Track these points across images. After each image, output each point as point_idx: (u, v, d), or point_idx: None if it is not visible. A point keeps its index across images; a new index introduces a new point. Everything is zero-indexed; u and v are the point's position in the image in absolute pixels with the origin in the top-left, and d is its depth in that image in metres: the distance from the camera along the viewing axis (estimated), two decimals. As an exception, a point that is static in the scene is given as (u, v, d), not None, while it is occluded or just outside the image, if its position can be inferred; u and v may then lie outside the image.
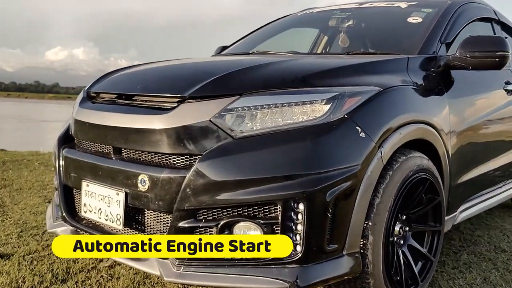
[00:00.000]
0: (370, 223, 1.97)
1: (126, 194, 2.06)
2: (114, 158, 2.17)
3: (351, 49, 3.26)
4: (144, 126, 2.02)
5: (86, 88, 2.56)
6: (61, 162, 2.47)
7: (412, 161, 2.19)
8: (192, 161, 1.94)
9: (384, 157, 2.00)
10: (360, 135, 1.93)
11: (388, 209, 2.03)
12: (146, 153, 2.07)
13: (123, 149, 2.17)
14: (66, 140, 2.56)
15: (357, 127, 1.93)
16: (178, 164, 1.97)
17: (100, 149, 2.30)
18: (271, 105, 1.92)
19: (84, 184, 2.26)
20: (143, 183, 1.98)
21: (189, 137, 1.93)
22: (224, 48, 3.94)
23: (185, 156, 1.96)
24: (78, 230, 2.36)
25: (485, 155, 3.18)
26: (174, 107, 2.00)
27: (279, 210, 1.82)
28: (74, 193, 2.47)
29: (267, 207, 1.84)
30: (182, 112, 1.97)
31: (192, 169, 1.87)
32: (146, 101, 2.15)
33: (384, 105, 2.10)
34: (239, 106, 1.93)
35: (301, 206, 1.79)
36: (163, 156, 2.01)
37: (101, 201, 2.17)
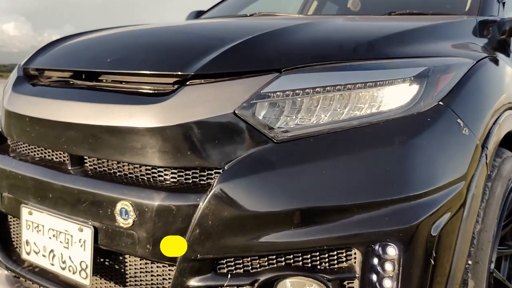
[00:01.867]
0: (470, 262, 1.32)
1: (96, 230, 1.30)
2: (72, 172, 1.39)
3: (366, 12, 2.58)
4: (123, 123, 1.26)
5: (23, 63, 1.71)
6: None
7: (509, 165, 1.54)
8: (207, 180, 1.21)
9: (489, 162, 1.35)
10: (463, 131, 1.26)
11: (491, 238, 1.38)
12: (128, 166, 1.31)
13: (87, 158, 1.40)
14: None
15: (458, 120, 1.25)
16: (184, 184, 1.23)
17: (50, 157, 1.50)
18: (329, 88, 1.21)
19: (24, 211, 1.46)
20: (125, 214, 1.23)
21: (201, 141, 1.20)
22: (200, 13, 3.14)
23: (195, 172, 1.22)
24: (18, 277, 1.57)
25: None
26: (172, 93, 1.25)
27: (355, 259, 1.13)
28: (10, 222, 1.66)
29: (334, 254, 1.15)
30: (186, 99, 1.22)
31: (209, 193, 1.14)
32: (122, 82, 1.37)
33: (482, 84, 1.43)
34: (278, 89, 1.21)
35: (393, 251, 1.11)
36: (157, 172, 1.26)
37: (54, 239, 1.39)
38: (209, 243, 1.15)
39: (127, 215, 1.23)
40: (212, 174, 1.20)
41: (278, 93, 1.20)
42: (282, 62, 1.24)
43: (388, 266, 1.11)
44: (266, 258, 1.16)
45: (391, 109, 1.20)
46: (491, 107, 1.42)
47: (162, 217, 1.18)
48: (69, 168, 1.41)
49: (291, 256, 1.15)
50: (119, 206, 1.23)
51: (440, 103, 1.24)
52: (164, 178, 1.24)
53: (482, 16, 1.98)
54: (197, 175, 1.22)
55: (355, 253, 1.13)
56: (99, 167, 1.36)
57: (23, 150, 1.58)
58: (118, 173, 1.32)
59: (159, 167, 1.24)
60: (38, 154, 1.53)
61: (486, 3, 2.08)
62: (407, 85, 1.23)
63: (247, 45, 1.31)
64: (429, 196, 1.13)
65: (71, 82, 1.50)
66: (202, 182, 1.21)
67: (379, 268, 1.12)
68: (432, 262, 1.14)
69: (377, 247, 1.11)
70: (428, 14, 2.01)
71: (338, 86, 1.21)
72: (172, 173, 1.24)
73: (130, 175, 1.29)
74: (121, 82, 1.39)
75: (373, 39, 1.37)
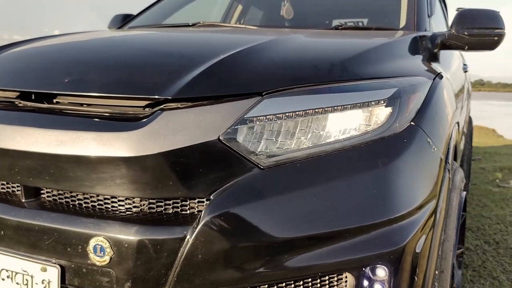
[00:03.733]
0: (437, 272, 1.39)
1: (63, 269, 1.18)
2: (27, 205, 1.26)
3: (298, 22, 2.62)
4: (95, 151, 1.15)
5: None
6: None
7: (459, 175, 1.65)
8: (192, 211, 1.15)
9: (451, 175, 1.43)
10: (432, 149, 1.32)
11: (452, 247, 1.47)
12: (100, 198, 1.20)
13: (44, 189, 1.27)
14: None
15: (428, 139, 1.31)
16: (167, 216, 1.15)
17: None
18: (310, 111, 1.21)
19: (-32, 250, 1.29)
20: (100, 251, 1.13)
21: (183, 170, 1.13)
22: (128, 18, 2.98)
23: (179, 203, 1.16)
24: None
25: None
26: (147, 117, 1.17)
27: (346, 282, 1.14)
28: None
29: (326, 279, 1.15)
30: (165, 125, 1.15)
31: (197, 226, 1.09)
32: (83, 105, 1.26)
33: (440, 101, 1.52)
34: (261, 114, 1.18)
35: (383, 273, 1.14)
36: (136, 204, 1.17)
37: (9, 281, 1.24)
38: (199, 277, 1.09)
39: (102, 252, 1.13)
40: (197, 205, 1.14)
41: (261, 117, 1.17)
42: (263, 85, 1.21)
43: (378, 287, 1.14)
44: None
45: (369, 130, 1.23)
46: (448, 123, 1.51)
47: (144, 253, 1.10)
48: (23, 200, 1.26)
49: (283, 285, 1.13)
50: (92, 242, 1.13)
51: (412, 123, 1.29)
52: (145, 211, 1.16)
53: (420, 32, 2.09)
54: (181, 206, 1.15)
55: (346, 277, 1.14)
56: (60, 200, 1.24)
57: None
58: (87, 206, 1.21)
59: (138, 199, 1.16)
60: None
61: (420, 19, 2.21)
62: (383, 106, 1.26)
63: (223, 66, 1.26)
64: (412, 215, 1.17)
65: (17, 103, 1.34)
66: (186, 213, 1.15)
67: (368, 289, 1.14)
68: (415, 278, 1.18)
69: (368, 269, 1.13)
70: (371, 29, 2.09)
71: (319, 109, 1.21)
72: (153, 205, 1.16)
73: (104, 208, 1.19)
74: (81, 104, 1.27)
75: (344, 59, 1.39)
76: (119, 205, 1.18)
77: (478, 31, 2.14)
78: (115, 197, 1.18)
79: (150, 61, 1.39)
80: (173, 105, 1.18)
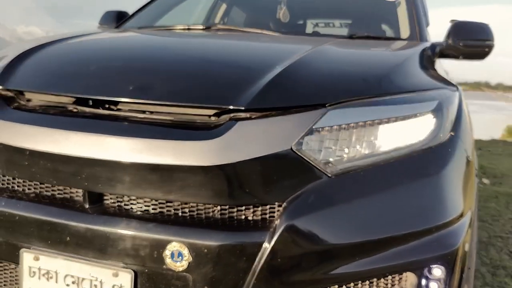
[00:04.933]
0: (470, 268, 1.52)
1: (135, 274, 1.21)
2: (90, 211, 1.27)
3: (296, 27, 2.71)
4: (173, 160, 1.18)
5: (4, 84, 1.46)
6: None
7: (473, 179, 1.80)
8: (267, 217, 1.21)
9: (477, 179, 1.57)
10: (468, 157, 1.45)
11: (474, 244, 1.61)
12: (177, 205, 1.24)
13: (107, 195, 1.28)
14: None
15: (464, 148, 1.44)
16: (244, 222, 1.21)
17: (59, 195, 1.33)
18: (369, 122, 1.29)
19: (27, 256, 1.29)
20: (178, 256, 1.17)
21: (259, 178, 1.20)
22: (122, 16, 2.93)
23: (255, 209, 1.21)
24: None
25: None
26: (220, 126, 1.21)
27: (406, 282, 1.24)
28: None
29: (389, 279, 1.24)
30: (241, 135, 1.20)
31: (275, 231, 1.15)
32: (144, 112, 1.29)
33: (465, 112, 1.64)
34: (327, 124, 1.25)
35: (439, 272, 1.24)
36: (214, 211, 1.22)
37: (75, 287, 1.25)
38: (277, 281, 1.16)
39: (180, 257, 1.17)
40: (272, 211, 1.20)
41: (327, 128, 1.25)
42: (326, 97, 1.29)
43: (434, 285, 1.24)
44: None
45: (420, 140, 1.33)
46: (471, 132, 1.64)
47: (223, 258, 1.15)
48: (86, 206, 1.28)
49: (351, 285, 1.22)
50: (170, 247, 1.17)
51: (451, 133, 1.41)
52: (222, 217, 1.21)
53: (425, 42, 2.23)
54: (257, 212, 1.21)
55: (406, 276, 1.24)
56: (131, 206, 1.26)
57: (12, 187, 1.37)
58: (162, 213, 1.23)
59: (215, 205, 1.20)
60: (40, 191, 1.34)
61: (422, 29, 2.35)
62: (430, 117, 1.36)
63: (285, 77, 1.32)
64: (462, 218, 1.29)
65: (72, 109, 1.34)
66: (262, 219, 1.21)
67: (428, 288, 1.24)
68: (463, 275, 1.30)
69: (426, 269, 1.23)
70: (382, 39, 2.20)
71: (377, 120, 1.29)
72: (230, 211, 1.21)
73: (181, 214, 1.23)
74: (143, 111, 1.30)
75: (388, 72, 1.48)
76: (197, 212, 1.22)
77: (472, 42, 2.30)
78: (192, 204, 1.21)
79: (213, 70, 1.43)
80: (245, 115, 1.23)
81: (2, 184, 1.37)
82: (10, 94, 1.43)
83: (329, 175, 1.22)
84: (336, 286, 1.20)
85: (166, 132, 1.22)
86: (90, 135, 1.23)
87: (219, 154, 1.17)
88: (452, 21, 2.46)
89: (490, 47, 2.34)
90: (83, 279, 1.24)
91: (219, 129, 1.21)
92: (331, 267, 1.18)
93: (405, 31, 2.38)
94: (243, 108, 1.22)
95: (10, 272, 1.37)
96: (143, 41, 1.79)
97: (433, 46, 2.27)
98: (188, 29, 2.27)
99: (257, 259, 1.15)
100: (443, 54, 2.30)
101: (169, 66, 1.45)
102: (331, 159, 1.24)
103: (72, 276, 1.25)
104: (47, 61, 1.53)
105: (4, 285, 1.38)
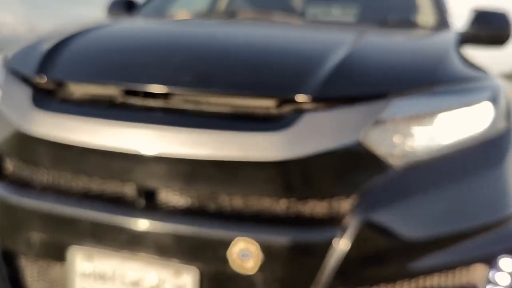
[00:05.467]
0: None
1: (200, 273, 1.16)
2: (146, 209, 1.21)
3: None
4: (237, 153, 1.13)
5: (31, 72, 1.39)
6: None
7: None
8: (336, 211, 1.17)
9: None
10: None
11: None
12: (243, 201, 1.19)
13: (172, 191, 1.23)
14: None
15: None
16: (314, 218, 1.17)
17: (111, 191, 1.27)
18: (432, 112, 1.26)
19: (77, 255, 1.23)
20: (246, 255, 1.13)
21: (328, 172, 1.16)
22: (130, 4, 2.82)
23: (324, 204, 1.17)
24: None
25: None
26: (285, 118, 1.17)
27: (476, 273, 1.22)
28: (31, 272, 1.36)
29: (460, 272, 1.22)
30: (309, 127, 1.16)
31: (346, 226, 1.12)
32: (202, 103, 1.24)
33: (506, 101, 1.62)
34: (391, 115, 1.22)
35: (510, 263, 1.23)
36: (281, 206, 1.17)
37: (135, 287, 1.20)
38: (350, 277, 1.13)
39: (248, 255, 1.13)
40: (341, 205, 1.17)
41: (393, 118, 1.21)
42: (389, 87, 1.25)
43: (506, 277, 1.23)
44: (402, 284, 1.18)
45: (481, 130, 1.30)
46: None
47: (294, 255, 1.12)
48: (143, 202, 1.22)
49: (425, 278, 1.19)
50: (237, 245, 1.12)
51: (504, 123, 1.39)
52: (291, 213, 1.17)
53: (451, 30, 2.21)
54: (326, 207, 1.17)
55: (476, 269, 1.22)
56: (192, 202, 1.21)
57: (60, 183, 1.30)
58: (228, 209, 1.18)
59: (283, 201, 1.16)
60: (91, 187, 1.28)
61: (447, 18, 2.33)
62: (489, 107, 1.34)
63: (347, 67, 1.28)
64: None
65: (125, 101, 1.28)
66: (331, 214, 1.17)
67: (498, 280, 1.23)
68: None
69: (497, 262, 1.21)
70: (411, 26, 2.17)
71: (440, 110, 1.26)
72: (298, 206, 1.17)
73: (248, 210, 1.18)
74: (198, 102, 1.24)
75: (441, 61, 1.45)
76: (265, 208, 1.17)
77: (493, 30, 2.30)
78: (260, 200, 1.17)
79: (270, 59, 1.37)
80: (311, 105, 1.18)
81: (48, 179, 1.31)
82: (51, 84, 1.36)
83: (396, 167, 1.19)
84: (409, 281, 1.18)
85: (229, 124, 1.17)
86: (146, 128, 1.17)
87: (289, 147, 1.12)
88: (473, 9, 2.44)
89: (509, 35, 2.34)
90: (142, 278, 1.19)
91: (284, 120, 1.17)
92: (404, 262, 1.15)
93: (428, 18, 2.35)
94: (309, 99, 1.18)
95: (60, 273, 1.31)
96: (184, 30, 1.72)
97: (460, 34, 2.25)
98: (212, 16, 2.20)
99: (328, 255, 1.11)
100: (466, 42, 2.29)
101: (223, 55, 1.39)
102: (396, 151, 1.20)
103: (130, 276, 1.20)
104: (89, 50, 1.46)
105: (55, 286, 1.32)
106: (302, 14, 2.69)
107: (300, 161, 1.12)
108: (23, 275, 1.35)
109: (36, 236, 1.27)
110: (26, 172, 1.34)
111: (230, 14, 2.19)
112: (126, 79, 1.29)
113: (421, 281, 1.18)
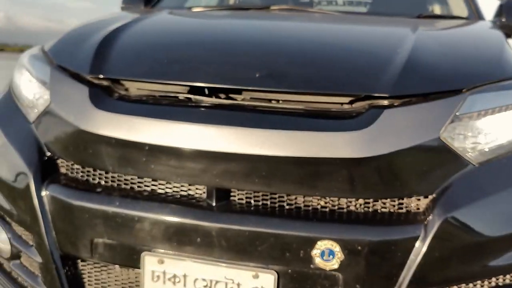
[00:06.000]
0: None
1: (277, 275, 1.13)
2: (216, 209, 1.18)
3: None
4: (316, 152, 1.10)
5: (85, 69, 1.34)
6: (57, 217, 1.27)
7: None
8: (417, 209, 1.15)
9: None
10: None
11: None
12: (321, 200, 1.16)
13: (235, 192, 1.19)
14: (47, 169, 1.34)
15: None
16: (396, 216, 1.14)
17: (178, 192, 1.23)
18: (506, 107, 1.24)
19: (149, 259, 1.19)
20: (328, 255, 1.10)
21: (409, 169, 1.14)
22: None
23: (405, 202, 1.15)
24: None
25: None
26: (363, 116, 1.14)
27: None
28: (93, 275, 1.32)
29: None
30: (388, 125, 1.13)
31: (429, 225, 1.09)
32: (270, 101, 1.20)
33: None
34: (467, 110, 1.19)
35: None
36: (362, 206, 1.15)
37: (208, 291, 1.17)
38: (433, 275, 1.11)
39: (331, 256, 1.10)
40: (422, 203, 1.14)
41: (469, 114, 1.19)
42: (464, 82, 1.22)
43: None
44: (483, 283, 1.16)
45: None
46: None
47: (376, 254, 1.09)
48: (213, 204, 1.18)
49: (505, 276, 1.17)
50: (319, 246, 1.10)
51: None
52: (372, 212, 1.14)
53: (485, 21, 2.19)
54: (407, 205, 1.14)
55: None
56: (264, 203, 1.18)
57: (125, 186, 1.26)
58: (307, 209, 1.15)
59: (364, 200, 1.13)
60: (158, 189, 1.23)
61: (479, 8, 2.30)
62: None
63: (418, 63, 1.25)
64: None
65: (189, 99, 1.24)
66: (412, 212, 1.14)
67: None
68: None
69: None
70: (448, 18, 2.15)
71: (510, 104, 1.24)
72: (379, 205, 1.14)
73: (328, 210, 1.15)
74: (269, 100, 1.21)
75: (499, 54, 1.42)
76: (346, 207, 1.15)
77: None
78: (340, 199, 1.14)
79: (338, 55, 1.34)
80: (388, 102, 1.16)
81: (113, 182, 1.26)
82: (105, 83, 1.31)
83: (474, 163, 1.16)
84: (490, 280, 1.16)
85: (307, 123, 1.13)
86: (218, 128, 1.13)
87: (370, 145, 1.09)
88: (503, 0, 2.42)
89: None
90: (216, 281, 1.16)
91: (362, 118, 1.14)
92: (485, 260, 1.13)
93: (460, 9, 2.32)
94: (386, 95, 1.15)
95: (128, 277, 1.27)
96: (236, 24, 1.67)
97: (499, 25, 2.24)
98: (246, 8, 2.15)
99: (411, 254, 1.09)
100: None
101: (291, 52, 1.35)
102: (474, 147, 1.18)
103: (204, 280, 1.17)
104: (142, 46, 1.42)
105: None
106: (310, 4, 2.66)
107: (381, 159, 1.10)
108: (84, 280, 1.31)
109: (101, 241, 1.23)
110: (85, 174, 1.29)
111: (264, 6, 2.15)
112: (193, 76, 1.25)
113: (501, 279, 1.17)
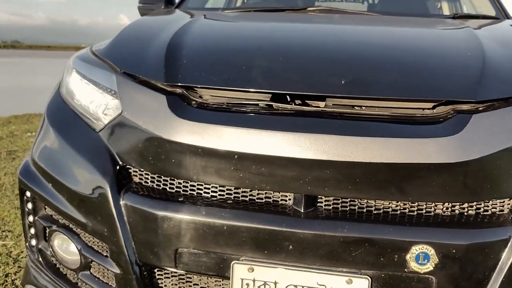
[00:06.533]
0: None
1: (372, 281, 1.15)
2: (304, 216, 1.19)
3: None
4: (412, 158, 1.12)
5: (162, 78, 1.33)
6: (136, 227, 1.26)
7: None
8: (507, 211, 1.17)
9: None
10: None
11: None
12: (419, 204, 1.18)
13: (323, 198, 1.20)
14: (121, 179, 1.33)
15: None
16: (488, 219, 1.17)
17: (260, 199, 1.23)
18: None
19: (239, 268, 1.19)
20: (423, 259, 1.12)
21: (499, 172, 1.16)
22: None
23: (496, 205, 1.18)
24: None
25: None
26: (450, 121, 1.16)
27: None
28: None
29: None
30: (478, 129, 1.15)
31: None
32: (352, 107, 1.22)
33: None
34: None
35: None
36: (455, 209, 1.17)
37: (300, 297, 1.18)
38: None
39: (426, 259, 1.12)
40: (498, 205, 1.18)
41: None
42: None
43: None
44: None
45: None
46: None
47: (471, 257, 1.12)
48: (301, 210, 1.19)
49: None
50: (415, 250, 1.12)
51: None
52: (464, 215, 1.16)
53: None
54: (499, 207, 1.17)
55: None
56: (355, 208, 1.19)
57: (211, 195, 1.25)
58: (403, 214, 1.17)
59: (457, 204, 1.16)
60: (242, 197, 1.23)
61: (504, 6, 2.35)
62: None
63: (494, 68, 1.28)
64: None
65: (272, 107, 1.24)
66: (504, 214, 1.17)
67: None
68: None
69: None
70: (480, 18, 2.18)
71: None
72: (472, 208, 1.16)
73: (423, 215, 1.17)
74: (352, 106, 1.22)
75: None
76: (439, 211, 1.17)
77: None
78: (433, 203, 1.16)
79: (415, 60, 1.36)
80: (473, 107, 1.18)
81: (199, 191, 1.26)
82: (179, 90, 1.30)
83: None
84: None
85: (396, 129, 1.15)
86: (310, 136, 1.14)
87: (463, 150, 1.12)
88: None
89: None
90: (308, 288, 1.17)
91: (450, 123, 1.16)
92: None
93: (486, 8, 2.36)
94: (472, 100, 1.17)
95: (215, 286, 1.27)
96: (298, 28, 1.67)
97: None
98: (282, 10, 2.15)
99: (503, 256, 1.12)
100: None
101: (367, 57, 1.36)
102: None
103: (295, 286, 1.18)
104: (211, 51, 1.41)
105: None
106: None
107: (473, 163, 1.12)
108: (165, 289, 1.30)
109: (186, 250, 1.22)
110: (161, 183, 1.29)
111: (303, 8, 2.15)
112: (276, 84, 1.25)
113: None
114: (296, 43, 1.49)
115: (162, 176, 1.28)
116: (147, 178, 1.31)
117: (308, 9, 2.11)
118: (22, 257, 2.35)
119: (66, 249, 1.46)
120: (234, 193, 1.24)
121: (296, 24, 1.78)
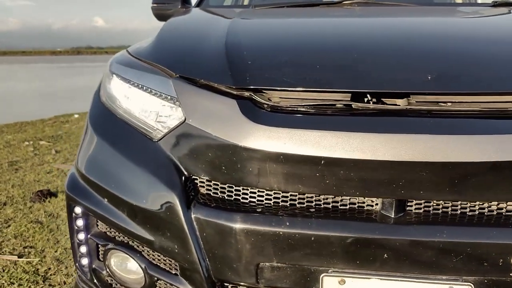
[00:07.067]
0: None
1: (473, 287, 1.08)
2: (393, 222, 1.11)
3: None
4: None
5: (230, 82, 1.24)
6: (210, 241, 1.18)
7: None
8: None
9: None
10: None
11: None
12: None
13: (413, 202, 1.13)
14: (188, 191, 1.24)
15: None
16: None
17: (342, 205, 1.16)
18: None
19: (329, 280, 1.12)
20: (530, 262, 1.05)
21: None
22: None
23: None
24: None
25: None
26: None
27: None
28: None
29: None
30: None
31: None
32: (437, 103, 1.14)
33: None
34: None
35: None
36: None
37: (398, 309, 1.10)
38: None
39: (533, 262, 1.05)
40: None
41: None
42: None
43: None
44: None
45: None
46: None
47: None
48: (392, 216, 1.12)
49: None
50: None
51: None
52: None
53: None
54: None
55: None
56: (447, 212, 1.12)
57: (292, 204, 1.17)
58: (504, 216, 1.10)
59: None
60: (325, 205, 1.15)
61: None
62: None
63: None
64: None
65: (351, 107, 1.16)
66: None
67: None
68: None
69: None
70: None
71: None
72: None
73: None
74: (437, 103, 1.15)
75: None
76: None
77: None
78: None
79: (490, 52, 1.29)
80: None
81: (276, 200, 1.17)
82: (246, 93, 1.22)
83: None
84: None
85: (495, 125, 1.08)
86: (404, 136, 1.06)
87: None
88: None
89: None
90: (405, 299, 1.10)
91: None
92: None
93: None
94: None
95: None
96: (353, 23, 1.59)
97: None
98: (317, 4, 2.07)
99: None
100: None
101: (443, 51, 1.29)
102: None
103: (391, 298, 1.10)
104: (275, 51, 1.32)
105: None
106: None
107: None
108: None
109: (268, 265, 1.14)
110: (232, 194, 1.20)
111: (335, 1, 2.07)
112: (354, 82, 1.17)
113: None
114: (362, 39, 1.41)
115: (234, 186, 1.20)
116: (216, 189, 1.22)
117: (344, 2, 2.03)
118: (51, 274, 2.24)
119: (125, 268, 1.37)
120: (315, 200, 1.16)
121: (348, 19, 1.70)
